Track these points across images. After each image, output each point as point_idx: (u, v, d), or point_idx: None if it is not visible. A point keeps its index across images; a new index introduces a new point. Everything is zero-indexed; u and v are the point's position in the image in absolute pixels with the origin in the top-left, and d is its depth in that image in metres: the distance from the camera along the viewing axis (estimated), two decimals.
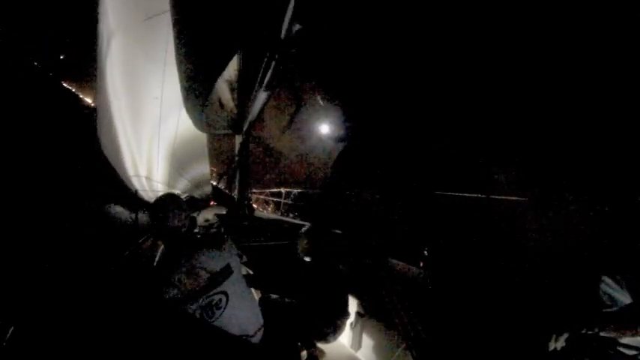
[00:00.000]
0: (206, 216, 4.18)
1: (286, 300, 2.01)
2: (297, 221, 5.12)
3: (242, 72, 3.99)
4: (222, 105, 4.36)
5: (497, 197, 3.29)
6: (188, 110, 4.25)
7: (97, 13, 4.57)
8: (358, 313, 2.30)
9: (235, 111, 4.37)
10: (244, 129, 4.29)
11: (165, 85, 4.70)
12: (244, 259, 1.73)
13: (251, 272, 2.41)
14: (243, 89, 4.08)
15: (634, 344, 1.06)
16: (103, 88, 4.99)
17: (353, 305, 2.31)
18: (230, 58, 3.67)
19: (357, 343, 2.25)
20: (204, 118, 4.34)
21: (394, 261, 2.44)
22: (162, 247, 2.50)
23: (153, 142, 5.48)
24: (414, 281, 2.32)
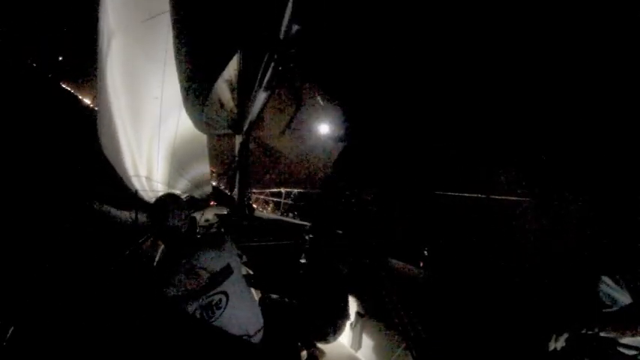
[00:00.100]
0: (206, 216, 4.18)
1: (286, 300, 2.01)
2: (297, 221, 5.12)
3: (242, 72, 4.00)
4: (222, 105, 4.36)
5: (497, 197, 3.29)
6: (188, 110, 4.25)
7: (97, 13, 4.57)
8: (358, 313, 2.30)
9: (235, 111, 4.37)
10: (244, 129, 4.29)
11: (166, 85, 4.70)
12: (244, 259, 1.73)
13: (251, 272, 2.41)
14: (243, 89, 4.08)
15: (634, 344, 1.06)
16: (103, 88, 4.99)
17: (353, 305, 2.31)
18: (230, 58, 3.67)
19: (357, 343, 2.25)
20: (204, 118, 4.34)
21: (394, 261, 2.44)
22: (162, 247, 2.50)
23: (153, 142, 5.48)
24: (414, 281, 2.31)
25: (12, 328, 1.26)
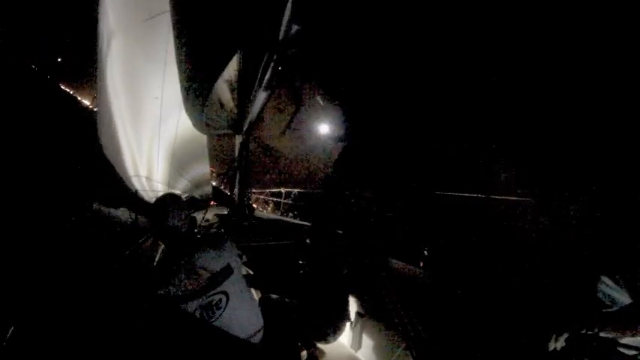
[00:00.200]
0: (206, 216, 4.17)
1: (286, 300, 2.01)
2: (297, 221, 5.12)
3: (242, 72, 3.99)
4: (222, 105, 4.35)
5: (497, 197, 3.29)
6: (188, 110, 4.25)
7: (97, 14, 4.57)
8: (358, 313, 2.30)
9: (235, 111, 4.37)
10: (244, 129, 4.29)
11: (166, 85, 4.70)
12: (244, 259, 1.73)
13: (251, 272, 2.41)
14: (243, 89, 4.08)
15: (634, 344, 1.06)
16: (103, 88, 4.99)
17: (353, 305, 2.31)
18: (230, 58, 3.67)
19: (357, 343, 2.25)
20: (204, 119, 4.34)
21: (394, 261, 2.44)
22: (162, 247, 2.50)
23: (153, 142, 5.47)
24: (414, 281, 2.32)
25: (12, 328, 1.26)
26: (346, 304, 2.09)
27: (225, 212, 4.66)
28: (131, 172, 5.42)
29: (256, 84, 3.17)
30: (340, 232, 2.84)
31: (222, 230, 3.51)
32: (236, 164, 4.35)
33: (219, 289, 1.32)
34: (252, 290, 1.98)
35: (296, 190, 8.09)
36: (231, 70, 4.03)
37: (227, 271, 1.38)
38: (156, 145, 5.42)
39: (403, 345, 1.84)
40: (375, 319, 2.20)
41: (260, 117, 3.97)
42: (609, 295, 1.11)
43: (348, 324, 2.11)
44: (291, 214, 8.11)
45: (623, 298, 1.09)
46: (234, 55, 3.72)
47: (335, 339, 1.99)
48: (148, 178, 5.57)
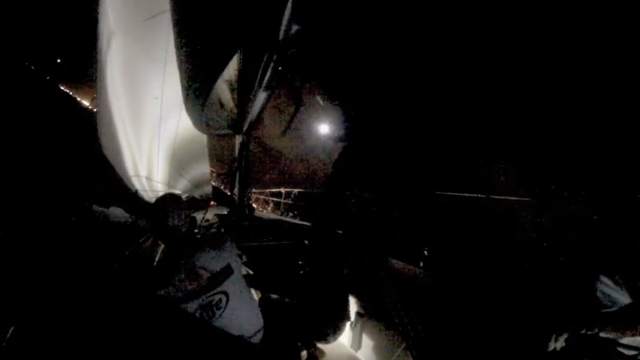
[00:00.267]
0: (206, 216, 4.17)
1: (286, 300, 2.01)
2: (297, 221, 5.12)
3: (242, 72, 3.99)
4: (222, 105, 4.36)
5: (497, 197, 3.29)
6: (188, 110, 4.25)
7: (97, 13, 4.57)
8: (358, 313, 2.30)
9: (235, 111, 4.37)
10: (244, 129, 4.29)
11: (166, 85, 4.70)
12: (244, 259, 1.73)
13: (251, 272, 2.42)
14: (243, 89, 4.08)
15: (634, 344, 1.06)
16: (103, 88, 4.99)
17: (353, 305, 2.31)
18: (230, 58, 3.67)
19: (357, 343, 2.25)
20: (204, 119, 4.34)
21: (394, 261, 2.44)
22: (162, 247, 2.50)
23: (153, 142, 5.48)
24: (414, 281, 2.32)
25: (12, 328, 1.27)
26: (346, 304, 2.09)
27: (225, 212, 4.66)
28: (131, 172, 5.42)
29: (256, 84, 3.17)
30: (340, 232, 2.84)
31: (222, 230, 3.51)
32: (236, 164, 4.34)
33: (219, 289, 1.32)
34: (252, 290, 1.98)
35: (296, 190, 8.09)
36: (231, 70, 4.03)
37: (227, 271, 1.38)
38: (156, 145, 5.43)
39: (403, 345, 1.84)
40: (375, 319, 2.20)
41: (260, 117, 3.98)
42: (609, 295, 1.11)
43: (348, 324, 2.11)
44: (291, 214, 8.11)
45: (623, 298, 1.09)
46: (234, 55, 3.72)
47: (335, 339, 1.99)
48: (148, 178, 5.57)
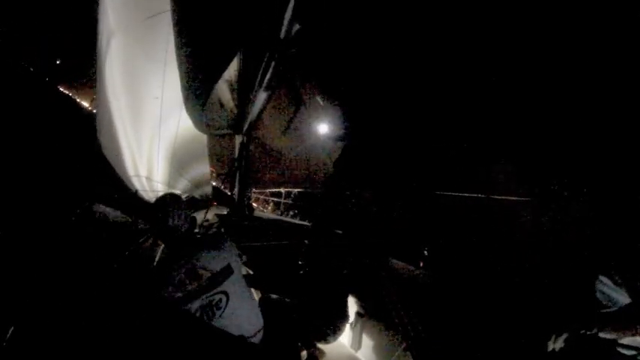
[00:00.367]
0: (206, 216, 4.18)
1: (286, 300, 2.01)
2: (297, 221, 5.12)
3: (242, 72, 3.99)
4: (222, 105, 4.36)
5: (497, 197, 3.29)
6: (188, 110, 4.25)
7: (97, 13, 4.57)
8: (358, 313, 2.30)
9: (235, 111, 4.37)
10: (244, 129, 4.29)
11: (166, 85, 4.70)
12: (244, 259, 1.73)
13: (251, 272, 2.42)
14: (243, 89, 4.08)
15: (633, 344, 1.06)
16: (102, 88, 4.99)
17: (353, 305, 2.31)
18: (231, 58, 3.67)
19: (357, 343, 2.25)
20: (204, 119, 4.34)
21: (394, 261, 2.44)
22: (162, 247, 2.51)
23: (153, 142, 5.48)
24: (414, 281, 2.32)
25: (12, 328, 1.27)
26: (346, 304, 2.10)
27: (225, 212, 4.66)
28: (131, 172, 5.42)
29: (256, 84, 3.17)
30: (340, 232, 2.84)
31: (222, 230, 3.51)
32: (236, 164, 4.35)
33: (219, 289, 1.32)
34: (252, 290, 1.98)
35: (296, 190, 8.09)
36: (232, 70, 4.03)
37: (227, 271, 1.38)
38: (156, 145, 5.43)
39: (403, 345, 1.84)
40: (375, 319, 2.21)
41: (260, 117, 3.98)
42: (608, 296, 1.11)
43: (348, 324, 2.11)
44: (291, 213, 8.12)
45: (623, 299, 1.09)
46: (234, 55, 3.72)
47: (335, 339, 2.00)
48: (148, 178, 5.57)
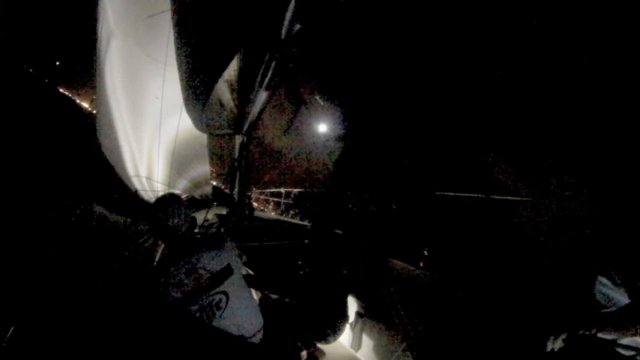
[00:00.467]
0: (206, 216, 4.17)
1: (286, 300, 2.01)
2: (297, 221, 5.12)
3: (242, 72, 3.99)
4: (222, 105, 4.35)
5: (497, 197, 3.30)
6: (188, 110, 4.25)
7: (97, 13, 4.57)
8: (358, 313, 2.30)
9: (235, 111, 4.37)
10: (244, 129, 4.29)
11: (166, 85, 4.70)
12: (244, 259, 1.74)
13: (251, 272, 2.42)
14: (243, 89, 4.08)
15: (633, 344, 1.06)
16: (102, 88, 4.99)
17: (353, 305, 2.32)
18: (230, 58, 3.67)
19: (357, 343, 2.25)
20: (204, 119, 4.34)
21: (394, 261, 2.44)
22: (162, 247, 2.51)
23: (153, 142, 5.47)
24: (414, 281, 2.32)
25: (12, 328, 1.27)
26: (346, 304, 2.10)
27: (225, 212, 4.66)
28: (131, 172, 5.42)
29: (256, 84, 3.17)
30: (340, 232, 2.84)
31: (222, 230, 3.51)
32: (236, 164, 4.34)
33: (219, 289, 1.32)
34: (252, 290, 1.98)
35: (296, 190, 8.10)
36: (232, 70, 4.03)
37: (227, 271, 1.38)
38: (156, 145, 5.42)
39: (403, 345, 1.84)
40: (375, 319, 2.21)
41: (260, 117, 3.97)
42: (607, 296, 1.11)
43: (348, 324, 2.11)
44: (291, 213, 8.12)
45: (622, 299, 1.09)
46: (234, 55, 3.72)
47: (335, 339, 2.00)
48: (148, 178, 5.57)
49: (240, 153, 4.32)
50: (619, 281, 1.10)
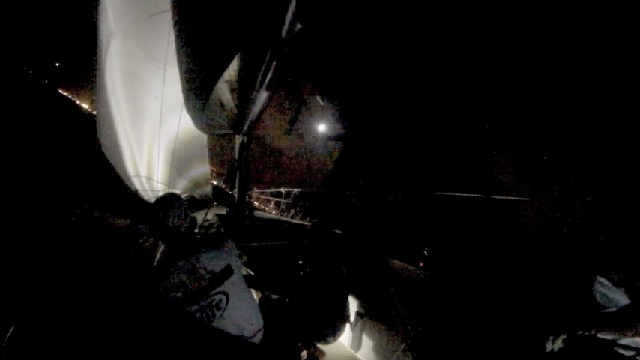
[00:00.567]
0: (206, 216, 4.17)
1: (286, 300, 2.01)
2: (297, 221, 5.12)
3: (242, 72, 3.99)
4: (222, 105, 4.35)
5: (497, 197, 3.30)
6: (189, 110, 4.25)
7: (97, 14, 4.57)
8: (358, 313, 2.30)
9: (235, 111, 4.37)
10: (244, 129, 4.29)
11: (166, 85, 4.70)
12: (244, 259, 1.74)
13: (251, 272, 2.42)
14: (244, 89, 4.08)
15: (632, 345, 1.06)
16: (102, 88, 4.99)
17: (353, 305, 2.31)
18: (231, 58, 3.66)
19: (357, 343, 2.25)
20: (204, 119, 4.34)
21: (394, 261, 2.45)
22: (162, 247, 2.51)
23: (153, 142, 5.47)
24: (414, 281, 2.32)
25: (12, 328, 1.27)
26: (346, 304, 2.10)
27: (225, 212, 4.66)
28: (131, 172, 5.42)
29: (257, 84, 3.17)
30: (340, 232, 2.84)
31: (222, 230, 3.51)
32: (236, 164, 4.34)
33: (219, 289, 1.32)
34: (252, 290, 1.98)
35: (296, 190, 8.10)
36: (232, 70, 4.03)
37: (227, 271, 1.38)
38: (156, 145, 5.42)
39: (403, 345, 1.84)
40: (375, 319, 2.21)
41: (260, 117, 3.97)
42: (607, 296, 1.11)
43: (348, 324, 2.11)
44: (292, 212, 8.13)
45: (621, 299, 1.09)
46: (235, 55, 3.72)
47: (335, 339, 2.00)
48: (148, 178, 5.57)
49: (240, 153, 4.32)
50: (619, 282, 1.10)
